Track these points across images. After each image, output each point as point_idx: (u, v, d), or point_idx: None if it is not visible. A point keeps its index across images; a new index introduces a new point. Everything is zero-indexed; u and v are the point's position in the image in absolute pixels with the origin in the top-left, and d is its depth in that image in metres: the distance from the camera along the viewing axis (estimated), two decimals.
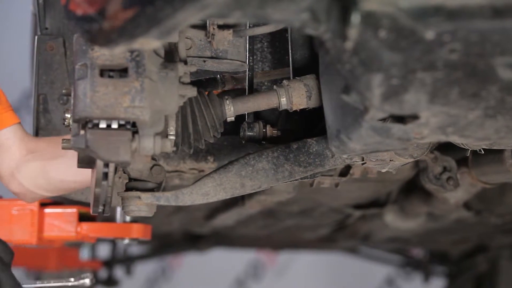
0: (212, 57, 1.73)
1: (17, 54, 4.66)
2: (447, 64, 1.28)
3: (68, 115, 1.67)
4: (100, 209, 1.71)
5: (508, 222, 2.83)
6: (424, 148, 1.74)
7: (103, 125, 1.54)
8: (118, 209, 2.37)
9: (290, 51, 1.83)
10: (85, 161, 1.70)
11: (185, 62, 1.59)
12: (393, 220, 2.79)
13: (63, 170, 1.88)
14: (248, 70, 1.89)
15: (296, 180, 1.78)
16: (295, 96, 1.73)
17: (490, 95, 1.35)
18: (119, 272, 4.00)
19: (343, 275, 5.39)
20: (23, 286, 1.87)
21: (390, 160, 1.75)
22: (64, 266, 3.54)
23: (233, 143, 2.10)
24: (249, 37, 1.80)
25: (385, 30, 1.23)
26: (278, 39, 1.98)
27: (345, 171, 2.16)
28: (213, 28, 1.68)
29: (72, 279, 2.15)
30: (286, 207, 2.69)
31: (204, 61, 1.73)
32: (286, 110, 1.77)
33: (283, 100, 1.74)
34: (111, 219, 2.37)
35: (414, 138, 1.51)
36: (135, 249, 4.22)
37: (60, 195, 2.02)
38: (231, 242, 3.90)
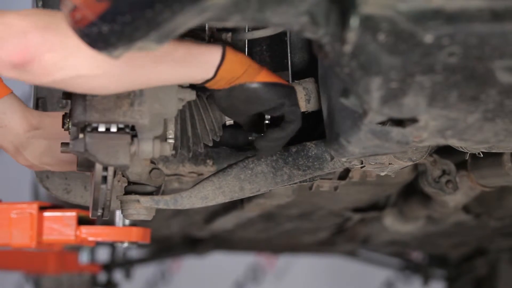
0: None
1: None
2: (446, 67, 1.28)
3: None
4: (99, 212, 1.71)
5: (507, 225, 2.83)
6: (423, 151, 1.74)
7: (102, 128, 1.54)
8: (117, 213, 2.37)
9: (289, 54, 1.82)
10: (84, 165, 1.70)
11: None
12: (392, 224, 2.78)
13: None
14: None
15: (295, 183, 1.78)
16: None
17: (489, 98, 1.35)
18: (118, 275, 4.00)
19: (342, 279, 5.39)
20: None
21: (389, 164, 1.75)
22: (63, 269, 3.53)
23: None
24: (248, 40, 1.80)
25: (384, 34, 1.23)
26: (277, 42, 1.98)
27: (344, 174, 2.16)
28: (212, 32, 1.68)
29: None
30: (285, 211, 2.69)
31: None
32: None
33: None
34: (110, 222, 2.37)
35: (413, 141, 1.51)
36: (135, 253, 4.22)
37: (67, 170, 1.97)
38: (230, 246, 3.89)
